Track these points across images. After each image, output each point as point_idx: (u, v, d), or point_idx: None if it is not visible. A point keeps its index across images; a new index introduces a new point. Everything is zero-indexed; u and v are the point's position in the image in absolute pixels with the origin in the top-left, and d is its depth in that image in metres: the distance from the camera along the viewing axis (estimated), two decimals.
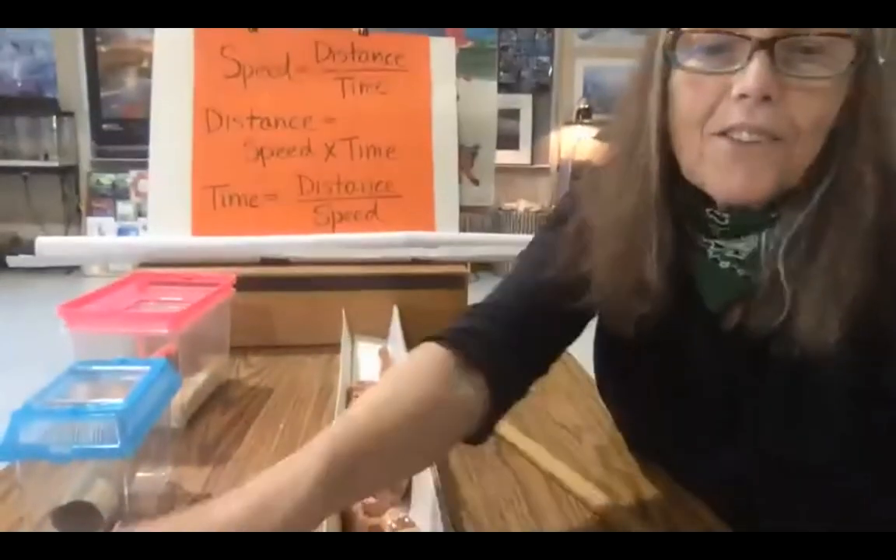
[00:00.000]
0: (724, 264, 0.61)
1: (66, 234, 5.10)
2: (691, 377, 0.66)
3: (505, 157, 5.37)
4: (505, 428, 0.80)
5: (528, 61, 5.65)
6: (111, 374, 0.65)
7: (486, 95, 1.52)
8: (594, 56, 5.47)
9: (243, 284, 0.99)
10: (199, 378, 0.88)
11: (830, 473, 0.60)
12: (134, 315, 0.84)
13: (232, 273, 1.00)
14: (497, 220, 5.18)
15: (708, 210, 0.59)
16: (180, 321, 0.78)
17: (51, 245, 1.19)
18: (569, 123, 5.57)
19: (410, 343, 0.95)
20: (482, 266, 1.19)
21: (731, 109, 0.53)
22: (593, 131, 5.21)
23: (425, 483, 0.60)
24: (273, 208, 1.24)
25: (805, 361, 0.55)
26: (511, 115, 5.60)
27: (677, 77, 0.57)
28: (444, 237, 1.26)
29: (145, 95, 4.47)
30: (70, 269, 5.16)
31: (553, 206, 0.77)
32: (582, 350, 0.82)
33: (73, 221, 5.29)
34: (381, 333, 1.12)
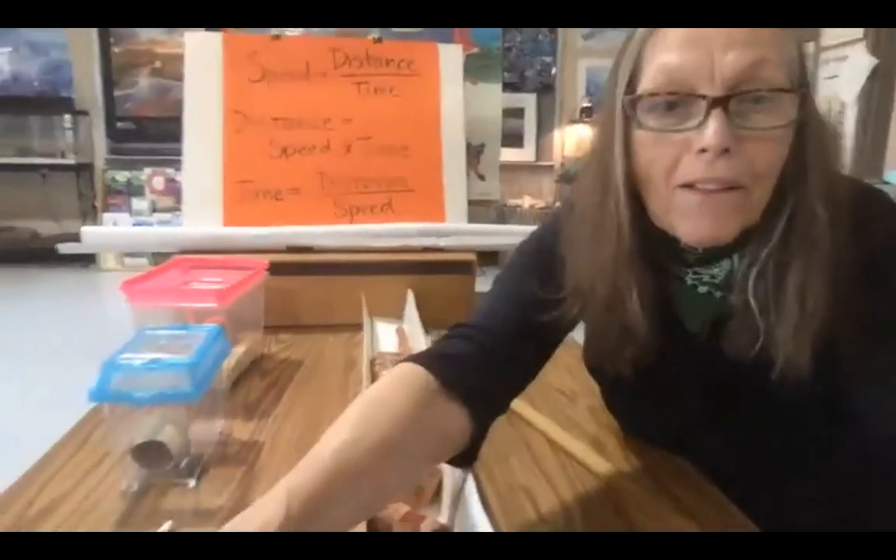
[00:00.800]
0: (703, 288, 0.65)
1: None
2: (673, 392, 0.72)
3: (510, 154, 5.48)
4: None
5: (532, 62, 5.75)
6: (173, 338, 0.77)
7: (492, 97, 1.64)
8: (596, 56, 5.57)
9: (272, 270, 1.11)
10: (239, 350, 1.00)
11: (795, 476, 0.68)
12: (186, 291, 0.96)
13: (264, 259, 1.11)
14: (502, 216, 5.29)
15: (680, 244, 0.62)
16: (226, 296, 0.90)
17: (95, 234, 1.31)
18: (572, 122, 5.67)
19: (424, 323, 1.07)
20: (487, 260, 1.29)
21: (693, 163, 0.56)
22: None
23: None
24: (296, 202, 1.36)
25: (774, 385, 0.59)
26: (516, 114, 5.70)
27: (639, 135, 0.59)
28: (453, 228, 1.38)
29: (158, 95, 4.58)
30: (87, 264, 5.30)
31: (545, 217, 0.81)
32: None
33: (89, 218, 5.41)
34: (397, 314, 1.24)
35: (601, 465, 0.74)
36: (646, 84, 0.58)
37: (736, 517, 0.66)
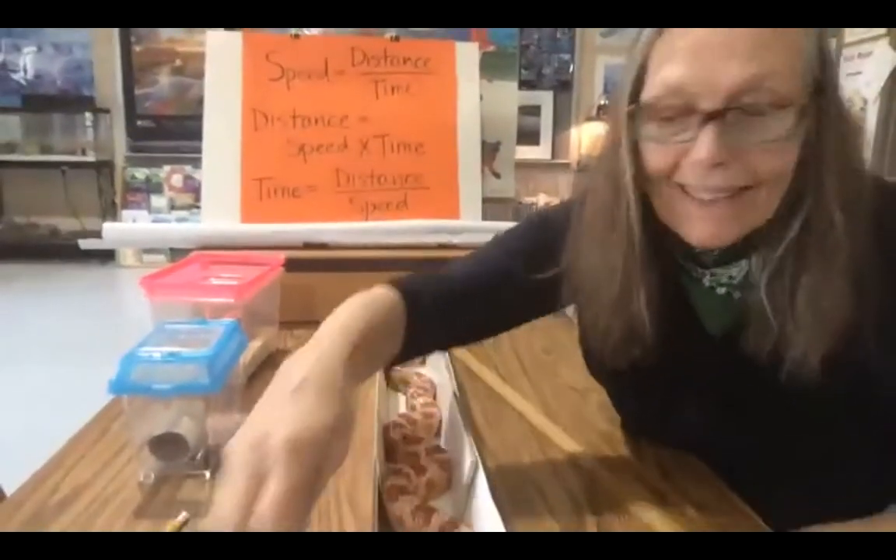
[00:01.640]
0: (721, 290, 0.66)
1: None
2: (690, 393, 0.71)
3: (526, 152, 5.47)
4: (496, 387, 0.93)
5: (550, 59, 5.74)
6: (191, 332, 0.78)
7: (507, 95, 1.64)
8: (614, 54, 5.54)
9: (289, 266, 1.12)
10: (255, 344, 1.01)
11: (813, 475, 0.68)
12: (204, 286, 0.97)
13: (280, 255, 1.12)
14: (518, 214, 5.28)
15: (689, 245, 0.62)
16: (243, 292, 0.91)
17: (116, 230, 1.33)
18: (589, 120, 5.65)
19: None
20: None
21: (690, 170, 0.57)
22: None
23: (455, 421, 0.72)
24: (313, 199, 1.38)
25: (793, 386, 0.59)
26: (532, 111, 5.69)
27: (641, 144, 0.60)
28: (467, 225, 1.38)
29: (177, 93, 4.63)
30: (106, 260, 5.37)
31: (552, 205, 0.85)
32: None
33: (108, 214, 5.48)
34: None
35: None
36: (648, 94, 0.58)
37: (748, 516, 0.65)
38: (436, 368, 0.96)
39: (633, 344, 0.65)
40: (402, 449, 0.70)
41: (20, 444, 1.40)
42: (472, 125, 1.46)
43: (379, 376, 0.85)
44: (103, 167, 5.53)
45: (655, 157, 0.59)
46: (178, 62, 5.53)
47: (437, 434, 0.79)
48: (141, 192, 5.54)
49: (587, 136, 5.68)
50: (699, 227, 0.58)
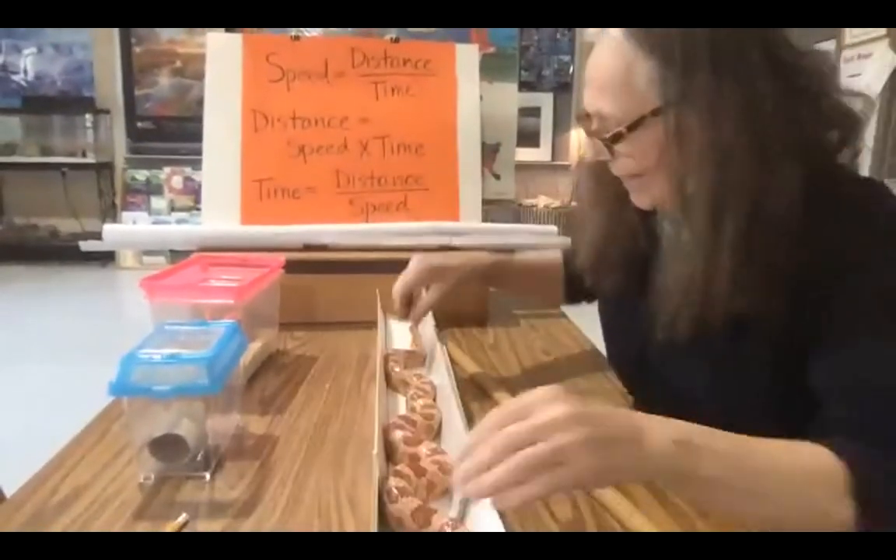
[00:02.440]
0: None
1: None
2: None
3: (526, 154, 5.47)
4: (496, 389, 0.94)
5: (550, 60, 5.74)
6: (191, 333, 0.78)
7: (507, 97, 1.64)
8: None
9: (289, 267, 1.12)
10: (255, 346, 1.01)
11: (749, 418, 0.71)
12: (204, 288, 0.97)
13: (280, 256, 1.12)
14: (517, 216, 5.29)
15: None
16: (243, 294, 0.91)
17: (116, 231, 1.33)
18: None
19: (437, 320, 1.08)
20: None
21: None
22: None
23: (455, 421, 0.72)
24: (313, 200, 1.37)
25: (739, 317, 0.69)
26: (532, 113, 5.70)
27: None
28: (467, 227, 1.38)
29: (178, 94, 4.65)
30: (106, 262, 5.37)
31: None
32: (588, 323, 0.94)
33: (108, 216, 5.49)
34: None
35: None
36: None
37: None
38: (436, 370, 0.96)
39: (611, 271, 0.87)
40: (402, 450, 0.70)
41: (20, 445, 1.40)
42: (472, 126, 1.45)
43: (379, 377, 0.85)
44: (103, 168, 5.54)
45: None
46: (178, 63, 5.54)
47: (438, 435, 0.79)
48: (141, 194, 5.55)
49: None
50: (632, 196, 0.80)
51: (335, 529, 0.62)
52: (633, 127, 0.70)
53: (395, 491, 0.60)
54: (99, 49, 5.48)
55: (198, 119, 1.37)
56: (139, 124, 5.59)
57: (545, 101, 5.76)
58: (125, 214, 5.50)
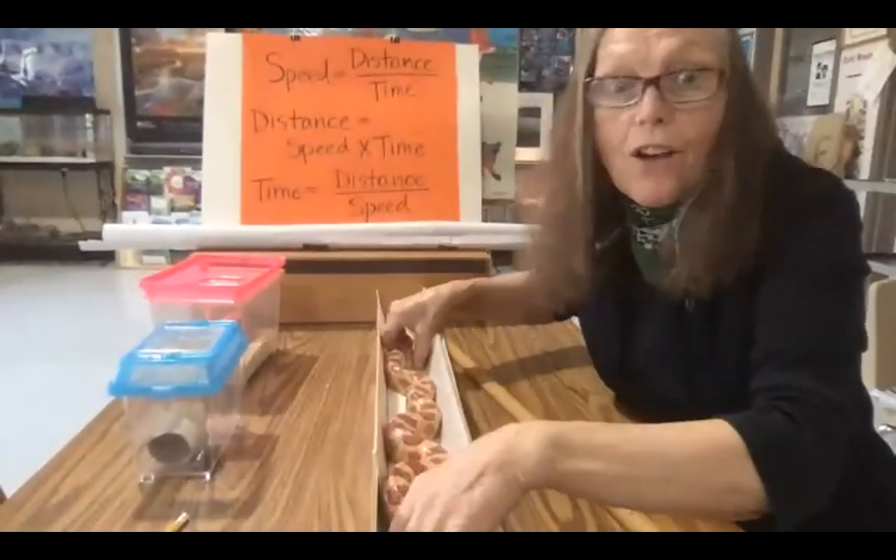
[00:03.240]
0: (648, 246, 0.79)
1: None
2: (638, 328, 0.84)
3: (526, 154, 5.42)
4: (496, 389, 0.94)
5: (550, 60, 5.74)
6: (191, 333, 0.78)
7: (507, 97, 1.64)
8: None
9: (289, 267, 1.12)
10: (255, 346, 1.01)
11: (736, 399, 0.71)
12: (203, 288, 0.97)
13: (280, 256, 1.12)
14: (517, 216, 5.28)
15: (634, 206, 0.77)
16: (243, 293, 0.91)
17: (116, 231, 1.33)
18: None
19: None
20: (502, 259, 1.29)
21: (637, 133, 0.70)
22: None
23: (455, 421, 0.72)
24: (313, 200, 1.37)
25: (711, 314, 0.73)
26: (532, 113, 5.68)
27: (598, 113, 0.74)
28: (467, 227, 1.38)
29: (178, 94, 4.64)
30: (106, 262, 5.37)
31: None
32: None
33: (108, 216, 5.49)
34: None
35: None
36: (600, 71, 0.72)
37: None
38: (436, 370, 0.96)
39: (572, 285, 0.82)
40: (402, 449, 0.70)
41: (20, 445, 1.40)
42: (472, 127, 1.45)
43: (379, 376, 0.85)
44: (103, 168, 5.54)
45: (610, 126, 0.73)
46: (178, 63, 5.53)
47: (438, 435, 0.79)
48: (141, 194, 5.55)
49: None
50: (643, 185, 0.72)
51: (335, 529, 0.62)
52: (729, 75, 0.69)
53: (395, 490, 0.60)
54: (99, 49, 5.48)
55: (198, 119, 1.37)
56: (139, 124, 5.59)
57: (545, 101, 5.75)
58: (125, 214, 5.50)
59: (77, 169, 5.42)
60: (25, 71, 5.47)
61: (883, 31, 3.38)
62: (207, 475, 0.71)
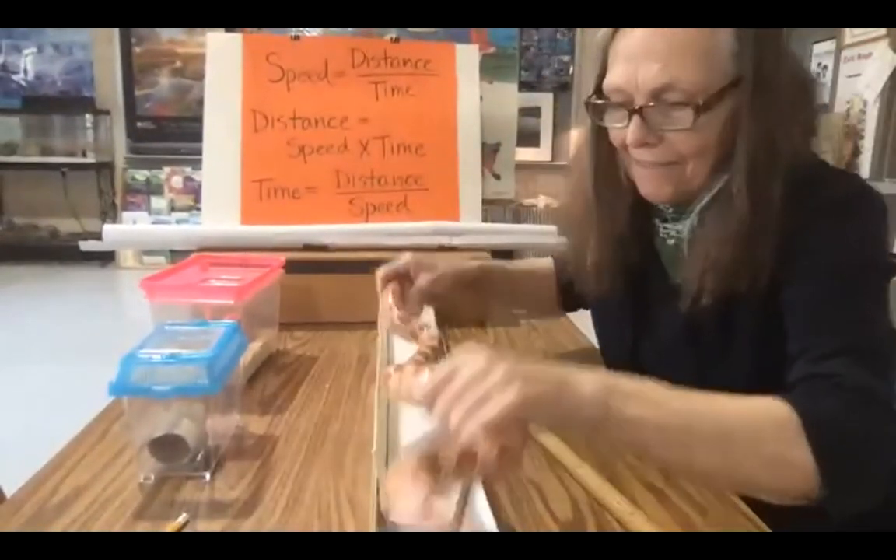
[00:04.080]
0: (671, 241, 0.82)
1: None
2: (653, 321, 0.86)
3: (526, 154, 5.46)
4: None
5: (550, 60, 5.74)
6: (191, 333, 0.78)
7: (507, 97, 1.64)
8: None
9: (288, 267, 1.12)
10: (255, 346, 1.01)
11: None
12: (203, 288, 0.97)
13: (280, 256, 1.12)
14: (517, 216, 5.28)
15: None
16: (243, 293, 0.91)
17: (116, 231, 1.33)
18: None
19: (439, 319, 1.08)
20: (502, 259, 1.30)
21: (632, 148, 0.75)
22: None
23: None
24: (313, 200, 1.38)
25: (725, 313, 0.74)
26: (532, 113, 5.68)
27: (601, 123, 0.79)
28: (467, 227, 1.38)
29: (178, 94, 4.64)
30: (106, 262, 5.37)
31: None
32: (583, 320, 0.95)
33: (108, 216, 5.49)
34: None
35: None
36: (605, 86, 0.75)
37: (748, 517, 0.65)
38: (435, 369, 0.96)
39: (596, 277, 0.85)
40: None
41: (20, 445, 1.40)
42: (472, 126, 1.46)
43: (378, 377, 0.85)
44: (103, 168, 5.53)
45: (615, 135, 0.78)
46: (178, 63, 5.53)
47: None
48: (141, 194, 5.54)
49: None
50: (644, 185, 0.78)
51: (335, 529, 0.62)
52: (719, 95, 0.69)
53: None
54: (99, 49, 5.47)
55: (198, 119, 1.37)
56: (139, 124, 5.58)
57: (545, 101, 5.75)
58: (125, 214, 5.50)
59: (77, 169, 5.41)
60: (25, 71, 5.47)
61: (883, 31, 3.38)
62: (207, 475, 0.71)
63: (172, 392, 0.67)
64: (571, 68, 5.76)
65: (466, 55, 1.48)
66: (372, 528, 0.55)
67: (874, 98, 3.47)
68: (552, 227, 1.48)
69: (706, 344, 0.78)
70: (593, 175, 0.83)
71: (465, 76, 1.47)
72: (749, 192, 0.69)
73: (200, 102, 1.39)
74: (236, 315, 0.88)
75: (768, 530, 0.63)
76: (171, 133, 5.50)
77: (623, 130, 0.74)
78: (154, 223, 5.34)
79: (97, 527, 0.61)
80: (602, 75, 0.76)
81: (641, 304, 0.86)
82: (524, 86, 5.44)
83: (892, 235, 3.59)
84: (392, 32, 1.49)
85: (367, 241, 1.33)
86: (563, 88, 5.77)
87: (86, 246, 1.28)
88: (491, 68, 1.63)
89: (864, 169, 3.51)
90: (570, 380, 0.55)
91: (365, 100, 1.43)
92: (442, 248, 1.35)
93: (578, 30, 5.62)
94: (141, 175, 5.55)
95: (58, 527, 0.61)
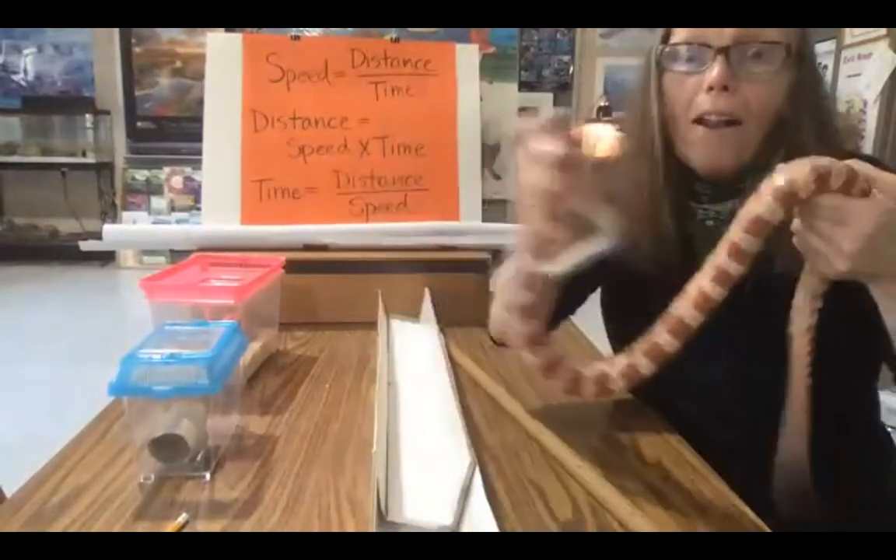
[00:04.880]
0: (710, 223, 0.82)
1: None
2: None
3: None
4: (495, 389, 0.94)
5: (550, 60, 5.74)
6: (191, 333, 0.78)
7: (507, 97, 1.64)
8: (614, 55, 5.54)
9: (289, 267, 1.12)
10: (255, 346, 1.01)
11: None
12: (203, 288, 0.97)
13: (280, 256, 1.12)
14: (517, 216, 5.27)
15: (696, 183, 0.81)
16: (243, 293, 0.91)
17: (116, 231, 1.33)
18: (589, 121, 5.64)
19: (440, 320, 1.08)
20: (501, 259, 1.30)
21: (702, 99, 0.75)
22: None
23: (454, 422, 0.72)
24: (313, 200, 1.38)
25: (770, 304, 0.69)
26: (532, 113, 5.68)
27: (667, 79, 0.79)
28: (468, 227, 1.38)
29: (178, 94, 4.64)
30: (106, 262, 5.37)
31: None
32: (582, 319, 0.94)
33: (108, 216, 5.49)
34: (411, 312, 1.24)
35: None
36: (674, 39, 0.77)
37: (748, 516, 0.65)
38: (436, 370, 0.96)
39: (658, 243, 0.81)
40: None
41: (20, 445, 1.41)
42: (472, 127, 1.45)
43: (379, 364, 0.86)
44: (103, 169, 5.53)
45: (677, 93, 0.77)
46: (178, 64, 5.53)
47: None
48: (141, 194, 5.55)
49: (587, 138, 5.66)
50: (704, 152, 0.77)
51: (335, 529, 0.62)
52: (800, 54, 0.73)
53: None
54: (99, 49, 5.48)
55: (198, 119, 1.37)
56: (139, 124, 5.58)
57: (545, 101, 5.76)
58: (125, 214, 5.50)
59: (77, 169, 5.41)
60: (25, 71, 5.47)
61: (883, 31, 3.38)
62: (207, 475, 0.71)
63: (172, 392, 0.67)
64: (571, 68, 5.76)
65: (466, 55, 1.47)
66: (372, 528, 0.55)
67: (874, 98, 3.47)
68: None
69: (742, 333, 0.76)
70: (660, 137, 0.80)
71: (465, 76, 1.46)
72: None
73: (200, 102, 1.39)
74: (236, 315, 0.88)
75: (768, 530, 0.63)
76: (171, 133, 5.50)
77: (699, 77, 0.75)
78: (154, 223, 5.34)
79: (97, 527, 0.61)
80: (667, 34, 0.78)
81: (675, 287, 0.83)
82: (524, 86, 5.43)
83: None
84: (392, 32, 1.49)
85: (367, 241, 1.33)
86: (563, 88, 5.77)
87: (86, 246, 1.28)
88: (491, 68, 1.63)
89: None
90: None
91: (365, 100, 1.42)
92: (442, 248, 1.35)
93: (578, 30, 5.62)
94: (141, 175, 5.56)
95: (58, 527, 0.61)
